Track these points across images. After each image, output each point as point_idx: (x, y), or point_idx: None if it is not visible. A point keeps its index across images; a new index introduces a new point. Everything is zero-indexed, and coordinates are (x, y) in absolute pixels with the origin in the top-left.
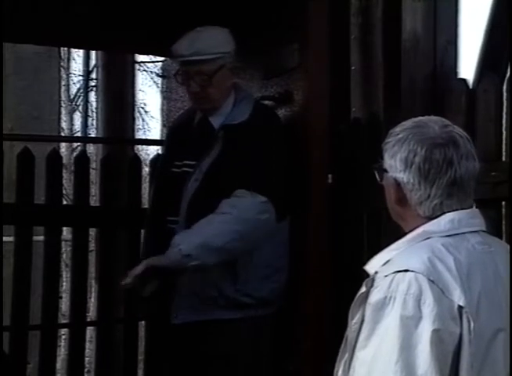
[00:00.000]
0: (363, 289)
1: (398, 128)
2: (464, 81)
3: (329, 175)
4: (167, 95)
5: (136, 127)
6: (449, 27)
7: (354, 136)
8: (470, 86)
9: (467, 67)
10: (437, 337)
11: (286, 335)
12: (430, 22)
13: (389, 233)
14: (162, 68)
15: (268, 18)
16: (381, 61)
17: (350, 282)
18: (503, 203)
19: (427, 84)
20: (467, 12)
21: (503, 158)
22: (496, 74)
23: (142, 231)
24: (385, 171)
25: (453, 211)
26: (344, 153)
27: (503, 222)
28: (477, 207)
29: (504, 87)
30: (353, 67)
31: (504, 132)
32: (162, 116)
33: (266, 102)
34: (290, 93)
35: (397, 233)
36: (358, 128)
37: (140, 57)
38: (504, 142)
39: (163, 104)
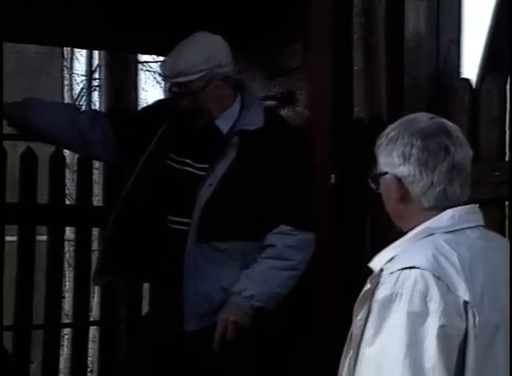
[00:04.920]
0: (368, 286)
1: (387, 130)
2: (467, 80)
3: (332, 175)
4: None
5: None
6: (452, 27)
7: (356, 136)
8: (474, 86)
9: (470, 67)
10: (443, 332)
11: (290, 334)
12: (433, 21)
13: (391, 232)
14: None
15: (271, 18)
16: (384, 61)
17: (352, 282)
18: (506, 202)
19: (430, 84)
20: (470, 12)
21: (507, 158)
22: (499, 73)
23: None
24: (381, 175)
25: (454, 206)
26: (347, 152)
27: (506, 222)
28: (479, 207)
29: (507, 87)
30: (356, 67)
31: (508, 131)
32: None
33: (269, 101)
34: (293, 93)
35: (399, 233)
36: (360, 127)
37: (143, 57)
38: (507, 141)
39: None
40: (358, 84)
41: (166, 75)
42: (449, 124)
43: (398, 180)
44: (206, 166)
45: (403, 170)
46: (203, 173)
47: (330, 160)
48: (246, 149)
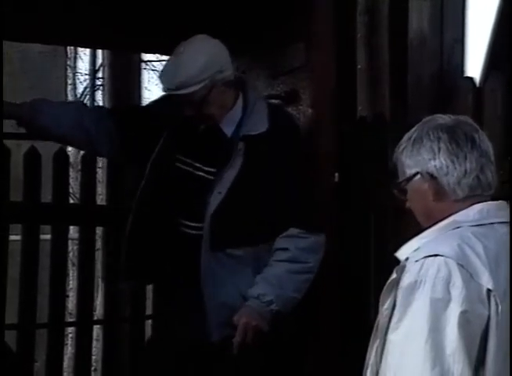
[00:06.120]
0: (394, 275)
1: (406, 136)
2: (471, 79)
3: (336, 174)
4: None
5: None
6: (456, 25)
7: (360, 135)
8: (477, 84)
9: (474, 66)
10: (464, 318)
11: (303, 337)
12: (436, 20)
13: (396, 231)
14: None
15: (275, 17)
16: (388, 60)
17: (357, 281)
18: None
19: (434, 83)
20: (474, 10)
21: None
22: (503, 72)
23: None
24: (410, 178)
25: (483, 201)
26: (350, 151)
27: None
28: None
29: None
30: (359, 66)
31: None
32: None
33: (273, 100)
34: (297, 92)
35: (403, 231)
36: (364, 126)
37: (146, 56)
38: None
39: None
40: (362, 83)
41: (168, 88)
42: (468, 117)
43: (431, 176)
44: (213, 170)
45: (435, 164)
46: (211, 177)
47: (334, 159)
48: (252, 155)
